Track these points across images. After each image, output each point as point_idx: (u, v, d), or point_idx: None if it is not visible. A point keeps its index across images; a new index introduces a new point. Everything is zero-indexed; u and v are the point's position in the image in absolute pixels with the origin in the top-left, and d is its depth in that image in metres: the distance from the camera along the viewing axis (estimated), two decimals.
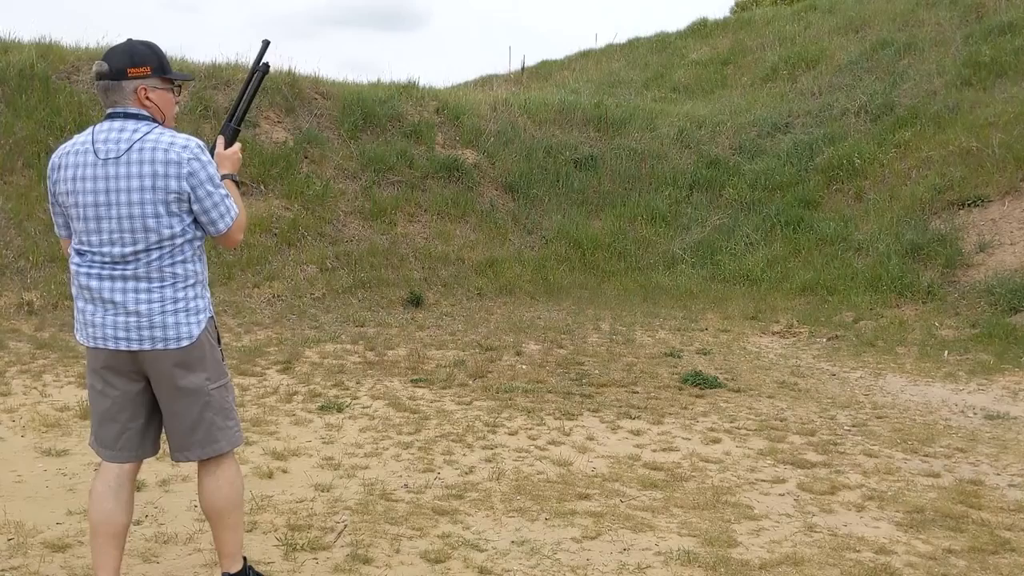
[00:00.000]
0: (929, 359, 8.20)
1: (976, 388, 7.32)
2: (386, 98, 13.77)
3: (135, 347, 2.78)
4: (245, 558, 3.09)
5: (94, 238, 2.76)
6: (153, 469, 4.45)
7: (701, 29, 21.98)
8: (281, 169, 11.67)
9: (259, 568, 3.30)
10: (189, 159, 2.74)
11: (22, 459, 4.62)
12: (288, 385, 6.54)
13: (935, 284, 9.96)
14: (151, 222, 2.72)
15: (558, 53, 25.72)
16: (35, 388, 6.10)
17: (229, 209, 2.85)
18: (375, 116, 13.30)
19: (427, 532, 3.82)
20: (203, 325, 2.86)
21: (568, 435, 5.53)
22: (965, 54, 14.29)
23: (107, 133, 2.77)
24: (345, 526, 3.85)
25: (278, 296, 9.84)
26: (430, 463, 4.85)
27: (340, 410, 5.85)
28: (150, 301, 2.76)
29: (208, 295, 2.94)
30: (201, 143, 2.83)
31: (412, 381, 6.84)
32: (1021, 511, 4.38)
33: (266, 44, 3.34)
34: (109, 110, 2.82)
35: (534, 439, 5.40)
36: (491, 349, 8.09)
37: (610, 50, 22.84)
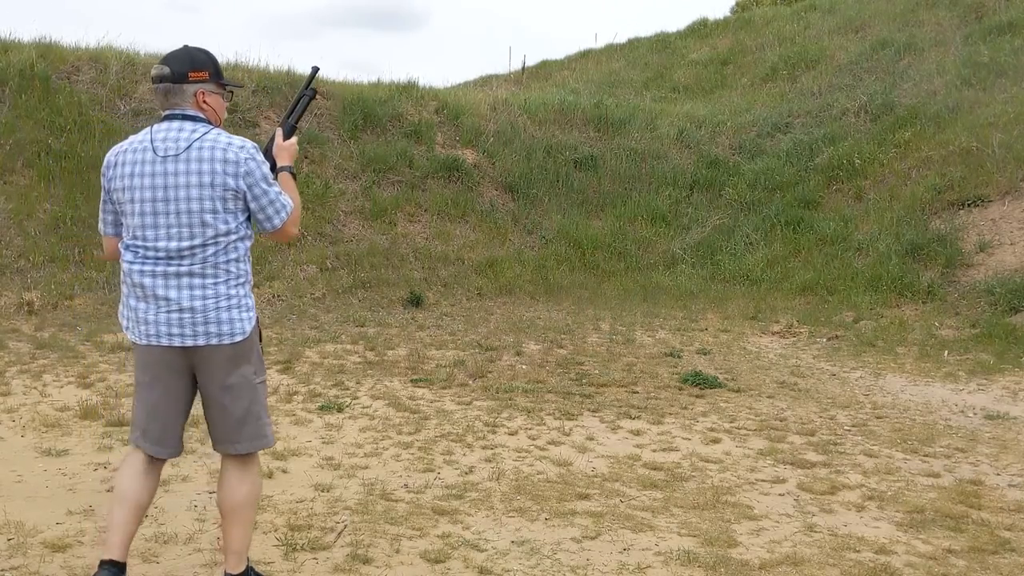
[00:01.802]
0: (929, 359, 8.20)
1: (976, 388, 7.32)
2: (386, 98, 13.77)
3: (189, 343, 2.85)
4: (248, 559, 3.09)
5: (150, 232, 2.84)
6: None
7: (701, 29, 21.98)
8: None
9: (259, 568, 3.30)
10: (246, 159, 2.85)
11: (22, 459, 4.62)
12: (288, 385, 6.54)
13: (935, 284, 9.97)
14: (208, 217, 2.81)
15: (558, 53, 25.72)
16: (35, 388, 6.10)
17: (284, 205, 2.94)
18: (375, 116, 13.30)
19: (427, 532, 3.82)
20: (253, 321, 2.95)
21: (568, 435, 5.52)
22: (965, 54, 14.30)
23: (166, 132, 2.87)
24: (345, 526, 3.85)
25: (278, 296, 9.84)
26: (430, 463, 4.85)
27: (340, 410, 5.85)
28: (205, 297, 2.84)
29: (253, 296, 3.02)
30: (256, 145, 2.94)
31: (412, 381, 6.84)
32: (1021, 511, 4.38)
33: (315, 71, 3.46)
34: (167, 112, 2.92)
35: (534, 439, 5.40)
36: (491, 349, 8.09)
37: (610, 50, 22.84)
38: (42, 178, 10.33)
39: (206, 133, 2.87)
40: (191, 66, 2.92)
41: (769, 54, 18.54)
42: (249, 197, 2.87)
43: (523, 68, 21.76)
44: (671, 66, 20.28)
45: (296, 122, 3.31)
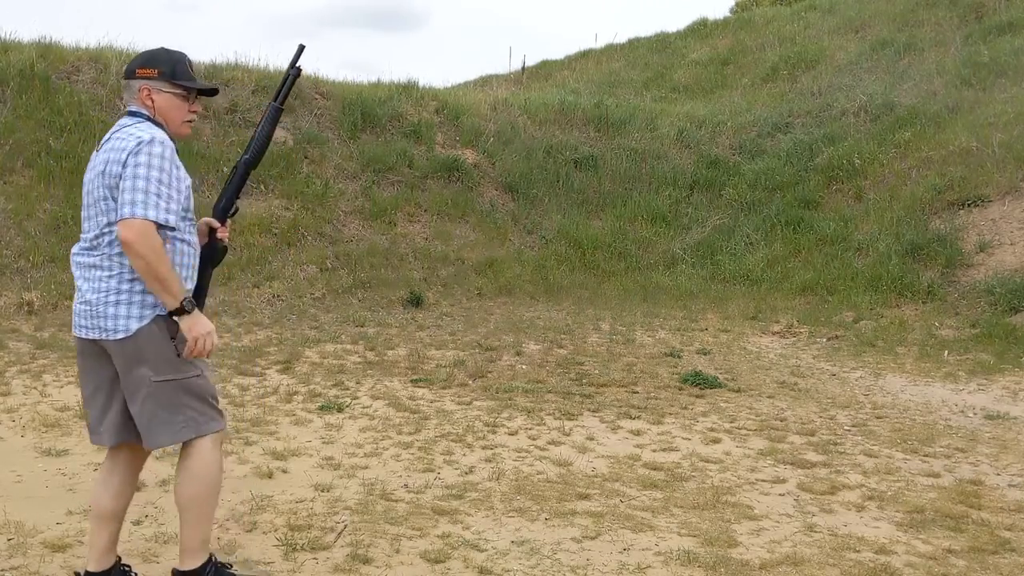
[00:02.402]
0: (929, 359, 8.20)
1: (976, 388, 7.32)
2: (386, 98, 13.77)
3: (88, 335, 2.89)
4: (212, 556, 3.06)
5: (84, 224, 2.95)
6: (152, 469, 4.45)
7: (701, 29, 21.99)
8: (281, 169, 11.67)
9: (259, 568, 3.30)
10: (135, 148, 2.77)
11: (22, 459, 4.62)
12: (288, 385, 6.53)
13: (935, 284, 9.97)
14: (102, 205, 2.84)
15: (558, 53, 25.70)
16: (35, 388, 6.10)
17: (143, 203, 2.72)
18: (375, 116, 13.30)
19: (427, 532, 3.82)
20: (145, 320, 2.84)
21: (568, 435, 5.52)
22: (965, 54, 14.30)
23: (112, 128, 2.95)
24: (345, 526, 3.85)
25: (278, 296, 9.84)
26: (430, 463, 4.84)
27: (340, 410, 5.85)
28: (98, 290, 2.84)
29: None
30: (164, 140, 2.82)
31: (412, 381, 6.84)
32: (1021, 511, 4.38)
33: (301, 48, 3.35)
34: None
35: (534, 439, 5.40)
36: (491, 349, 8.09)
37: (610, 50, 22.84)
38: (42, 178, 10.32)
39: (127, 126, 2.88)
40: (140, 63, 2.95)
41: (769, 54, 18.55)
42: (120, 179, 2.77)
43: (523, 68, 21.76)
44: (671, 66, 20.28)
45: (282, 103, 3.23)
